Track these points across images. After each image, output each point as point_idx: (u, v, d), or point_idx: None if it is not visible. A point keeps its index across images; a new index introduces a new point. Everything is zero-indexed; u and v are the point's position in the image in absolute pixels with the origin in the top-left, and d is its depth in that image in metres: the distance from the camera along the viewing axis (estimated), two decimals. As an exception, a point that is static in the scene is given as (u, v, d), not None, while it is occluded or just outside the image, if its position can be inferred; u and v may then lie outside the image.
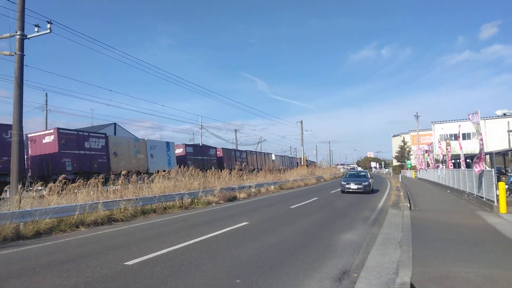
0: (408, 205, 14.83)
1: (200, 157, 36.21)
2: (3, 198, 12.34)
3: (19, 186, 11.87)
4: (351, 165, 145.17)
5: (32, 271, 6.30)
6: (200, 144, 44.00)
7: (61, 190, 12.56)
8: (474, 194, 16.28)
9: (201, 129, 54.24)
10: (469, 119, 15.48)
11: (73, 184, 13.21)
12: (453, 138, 52.62)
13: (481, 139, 14.58)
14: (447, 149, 26.64)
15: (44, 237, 9.62)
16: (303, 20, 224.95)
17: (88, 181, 13.93)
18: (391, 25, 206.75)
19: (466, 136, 55.21)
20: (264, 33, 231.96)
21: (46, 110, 38.70)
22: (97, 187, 13.81)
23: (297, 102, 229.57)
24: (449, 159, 26.48)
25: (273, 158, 55.57)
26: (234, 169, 27.89)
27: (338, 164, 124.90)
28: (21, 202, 10.96)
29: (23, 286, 5.48)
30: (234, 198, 20.35)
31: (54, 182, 12.81)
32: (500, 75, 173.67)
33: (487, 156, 20.98)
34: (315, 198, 20.43)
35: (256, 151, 53.90)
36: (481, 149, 14.52)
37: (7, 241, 8.95)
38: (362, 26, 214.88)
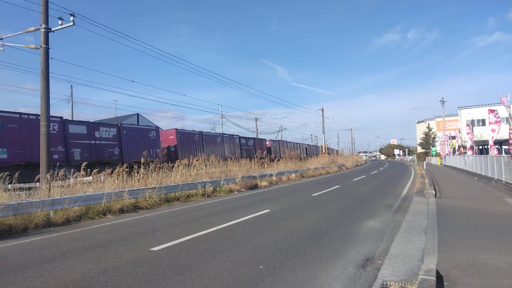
0: (434, 192, 14.53)
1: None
2: (34, 188, 12.81)
3: (48, 175, 12.27)
4: (374, 153, 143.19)
5: (63, 256, 6.55)
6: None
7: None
8: (502, 181, 15.79)
9: (221, 118, 54.51)
10: (501, 102, 14.92)
11: (104, 172, 13.61)
12: (480, 123, 51.01)
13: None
14: (473, 135, 25.86)
15: (74, 224, 9.97)
16: (323, 5, 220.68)
17: (114, 171, 14.29)
18: (418, 5, 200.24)
19: (499, 121, 53.29)
20: (284, 18, 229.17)
21: (72, 102, 39.74)
22: (122, 176, 14.15)
23: (319, 89, 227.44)
24: (476, 145, 25.71)
25: (292, 146, 54.59)
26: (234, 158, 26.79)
27: (360, 152, 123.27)
28: (51, 190, 11.35)
29: (55, 270, 5.71)
30: (255, 186, 20.45)
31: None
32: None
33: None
34: (337, 186, 20.29)
35: (278, 140, 53.29)
36: (511, 134, 14.02)
37: (39, 228, 9.32)
38: (388, 6, 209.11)
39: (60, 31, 15.04)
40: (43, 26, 14.09)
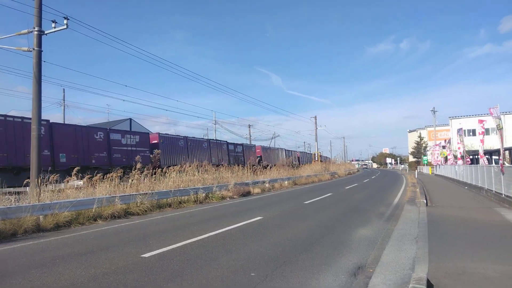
0: (425, 201, 14.63)
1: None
2: (23, 192, 12.65)
3: (39, 180, 12.13)
4: (366, 161, 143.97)
5: (52, 262, 6.46)
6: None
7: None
8: (492, 191, 15.96)
9: (215, 124, 54.54)
10: (489, 113, 15.12)
11: (95, 177, 13.48)
12: (471, 133, 51.61)
13: (502, 134, 14.25)
14: (464, 145, 26.15)
15: (63, 230, 9.85)
16: (319, 13, 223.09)
17: (106, 176, 14.17)
18: (412, 15, 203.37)
19: (485, 132, 53.97)
20: (279, 26, 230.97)
21: (64, 106, 39.47)
22: (114, 181, 14.04)
23: (312, 97, 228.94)
24: (467, 155, 25.99)
25: (285, 153, 54.54)
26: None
27: (352, 160, 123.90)
28: (41, 195, 11.22)
29: (44, 276, 5.63)
30: (248, 193, 20.42)
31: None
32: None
33: (507, 152, 20.52)
34: (330, 194, 20.34)
35: (268, 146, 53.06)
36: (502, 145, 14.21)
37: (28, 233, 9.19)
38: (381, 17, 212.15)
39: (54, 34, 15.00)
40: (36, 29, 14.03)
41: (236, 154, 39.50)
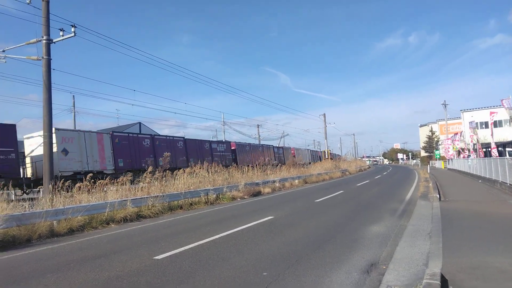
0: (438, 195, 14.45)
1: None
2: (36, 198, 12.84)
3: (51, 186, 12.30)
4: (376, 158, 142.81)
5: (66, 266, 6.54)
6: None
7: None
8: (507, 183, 15.69)
9: (223, 125, 54.60)
10: (502, 105, 14.88)
11: (103, 181, 13.61)
12: (483, 126, 50.87)
13: None
14: (477, 137, 25.78)
15: (77, 234, 9.97)
16: (325, 11, 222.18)
17: (117, 180, 14.31)
18: (419, 9, 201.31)
19: (497, 124, 53.08)
20: (285, 26, 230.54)
21: (74, 112, 39.95)
22: (125, 185, 14.16)
23: (321, 94, 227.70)
24: (480, 147, 25.61)
25: (293, 152, 54.94)
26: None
27: (363, 157, 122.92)
28: (54, 201, 11.37)
29: (59, 280, 5.70)
30: (258, 193, 20.41)
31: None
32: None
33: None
34: (341, 191, 20.23)
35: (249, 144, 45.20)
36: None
37: (42, 238, 9.32)
38: (388, 12, 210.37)
39: (62, 42, 15.20)
40: (44, 38, 14.24)
41: (222, 154, 35.78)
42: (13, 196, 16.49)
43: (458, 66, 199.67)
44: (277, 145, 55.36)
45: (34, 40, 14.57)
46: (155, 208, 13.13)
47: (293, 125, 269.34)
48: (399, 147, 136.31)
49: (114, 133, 24.67)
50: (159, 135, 32.20)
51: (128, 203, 12.25)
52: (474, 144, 28.52)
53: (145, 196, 13.33)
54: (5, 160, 17.58)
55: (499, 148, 26.55)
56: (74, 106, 39.93)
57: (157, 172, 15.77)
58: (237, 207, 15.11)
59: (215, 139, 47.22)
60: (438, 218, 9.73)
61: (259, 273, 5.67)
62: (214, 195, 16.76)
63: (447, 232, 7.88)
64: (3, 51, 15.77)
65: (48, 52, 14.33)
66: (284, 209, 13.68)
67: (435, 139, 74.46)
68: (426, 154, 77.85)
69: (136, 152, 25.37)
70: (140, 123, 48.21)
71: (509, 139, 35.93)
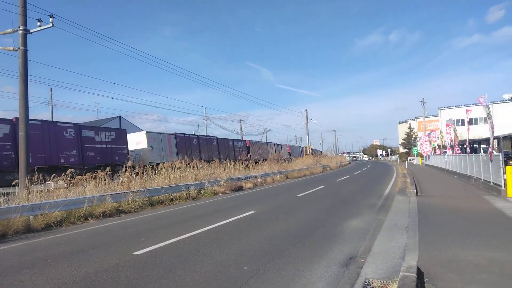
0: (415, 191, 14.80)
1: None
2: (13, 193, 12.50)
3: (27, 180, 11.99)
4: (356, 154, 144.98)
5: (43, 262, 6.41)
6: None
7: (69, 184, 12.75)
8: (481, 179, 16.20)
9: (205, 120, 54.31)
10: (479, 102, 15.30)
11: (81, 177, 13.36)
12: (460, 123, 52.26)
13: (492, 123, 14.45)
14: (454, 134, 26.47)
15: (54, 230, 9.77)
16: (308, 7, 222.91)
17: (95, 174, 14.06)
18: (400, 7, 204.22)
19: (473, 121, 54.67)
20: (269, 20, 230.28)
21: (52, 105, 38.97)
22: (104, 180, 13.94)
23: (303, 90, 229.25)
24: (456, 144, 26.31)
25: (275, 147, 55.05)
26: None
27: (344, 153, 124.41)
28: (30, 195, 11.10)
29: (36, 276, 5.59)
30: (240, 188, 20.44)
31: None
32: (509, 59, 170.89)
33: (495, 141, 20.81)
34: (321, 187, 20.46)
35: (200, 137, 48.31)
36: (492, 133, 14.41)
37: (18, 234, 9.09)
38: (371, 9, 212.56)
39: (39, 33, 14.76)
40: (21, 28, 13.79)
41: (237, 149, 39.69)
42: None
43: (437, 65, 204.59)
44: (259, 140, 55.71)
45: (10, 30, 14.08)
46: (135, 203, 12.99)
47: (275, 120, 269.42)
48: (378, 143, 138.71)
49: (177, 134, 30.54)
50: (202, 135, 37.26)
51: (108, 198, 12.07)
52: (451, 141, 29.30)
53: (125, 191, 13.17)
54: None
55: (474, 145, 27.35)
56: (51, 99, 39.02)
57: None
58: (219, 202, 15.09)
59: (197, 134, 46.81)
60: (415, 213, 9.97)
61: (240, 268, 5.69)
62: (196, 190, 16.69)
63: (424, 226, 8.09)
64: (-23, 40, 15.22)
65: (25, 43, 13.89)
66: (265, 204, 13.75)
67: (413, 136, 76.13)
68: (405, 150, 79.55)
69: (188, 148, 30.55)
70: (120, 117, 47.38)
71: (484, 136, 37.02)
